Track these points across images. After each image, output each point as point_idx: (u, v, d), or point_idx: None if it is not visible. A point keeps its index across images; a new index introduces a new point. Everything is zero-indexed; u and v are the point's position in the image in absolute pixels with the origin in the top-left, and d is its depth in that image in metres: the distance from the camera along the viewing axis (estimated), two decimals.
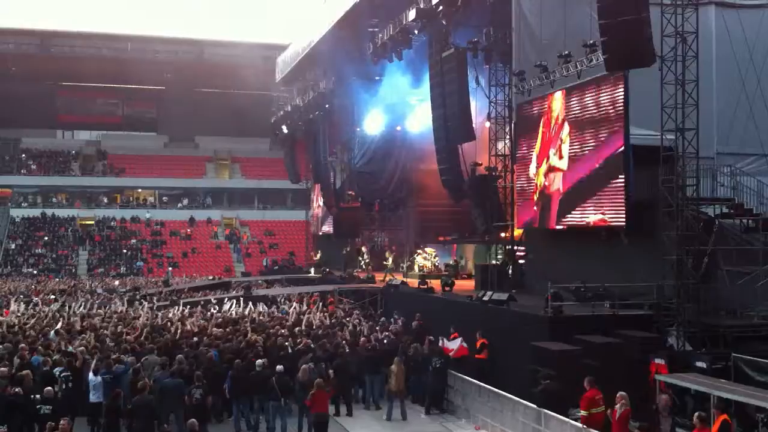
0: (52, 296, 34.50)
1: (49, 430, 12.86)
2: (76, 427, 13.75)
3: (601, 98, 20.86)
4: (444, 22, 27.91)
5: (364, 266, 39.48)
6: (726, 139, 20.95)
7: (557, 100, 22.95)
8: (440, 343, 20.73)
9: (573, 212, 22.23)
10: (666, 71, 18.13)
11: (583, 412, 14.34)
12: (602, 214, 20.63)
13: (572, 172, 22.22)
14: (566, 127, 22.48)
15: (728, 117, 20.65)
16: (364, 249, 41.98)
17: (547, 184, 23.65)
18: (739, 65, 20.38)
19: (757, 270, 17.79)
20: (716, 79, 20.59)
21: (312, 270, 44.14)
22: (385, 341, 21.45)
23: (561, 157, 22.84)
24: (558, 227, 23.26)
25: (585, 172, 21.54)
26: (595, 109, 21.12)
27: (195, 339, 20.81)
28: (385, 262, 38.36)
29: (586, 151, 21.49)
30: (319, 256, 47.58)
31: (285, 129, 51.28)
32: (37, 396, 14.86)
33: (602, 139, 20.72)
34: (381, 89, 37.74)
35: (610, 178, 20.30)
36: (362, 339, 21.38)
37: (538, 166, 24.07)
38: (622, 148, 19.76)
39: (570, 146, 22.32)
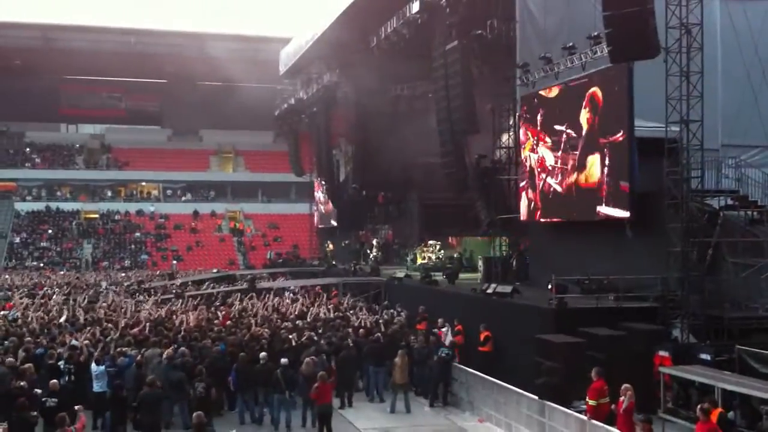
0: (57, 289, 34.54)
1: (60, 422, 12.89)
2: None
3: (605, 90, 20.78)
4: (447, 13, 27.83)
5: (372, 259, 39.51)
6: (731, 131, 20.90)
7: (560, 91, 22.88)
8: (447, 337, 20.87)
9: (576, 205, 22.20)
10: (671, 63, 18.08)
11: (592, 402, 14.37)
12: (606, 206, 20.57)
13: (575, 165, 22.16)
14: (569, 119, 22.41)
15: (733, 109, 20.61)
16: (374, 242, 42.05)
17: (549, 176, 23.61)
18: (744, 57, 20.29)
19: (762, 262, 17.74)
20: (721, 71, 20.54)
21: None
22: (388, 334, 21.43)
23: (563, 149, 22.78)
24: (562, 220, 23.23)
25: (588, 165, 21.48)
26: (599, 101, 21.04)
27: (199, 332, 20.83)
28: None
29: (590, 144, 21.42)
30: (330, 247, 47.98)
31: (289, 122, 51.27)
32: (38, 391, 14.90)
33: (606, 131, 20.63)
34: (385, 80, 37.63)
35: (614, 170, 20.24)
36: (366, 331, 21.37)
37: (541, 158, 24.01)
38: (627, 139, 19.69)
39: (572, 138, 22.26)
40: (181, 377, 16.72)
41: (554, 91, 23.18)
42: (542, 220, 24.46)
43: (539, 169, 24.10)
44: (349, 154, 46.20)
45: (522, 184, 25.50)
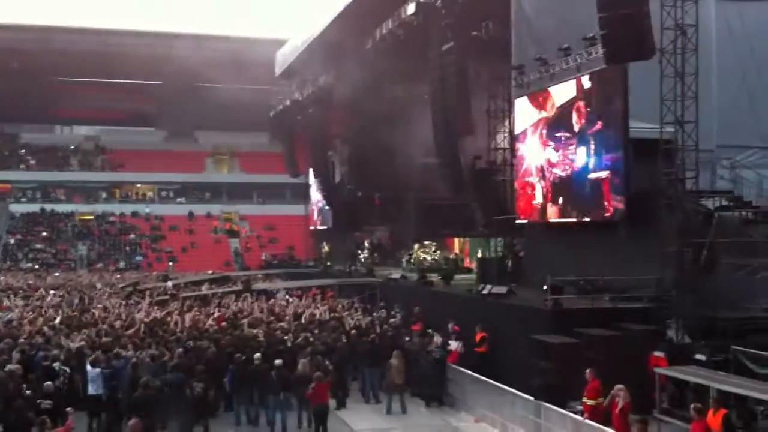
0: (52, 291, 34.44)
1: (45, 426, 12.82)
2: (75, 422, 13.76)
3: (600, 91, 20.84)
4: (443, 14, 27.85)
5: (364, 260, 39.52)
6: (725, 132, 20.94)
7: (556, 93, 22.94)
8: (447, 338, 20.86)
9: (571, 205, 22.24)
10: (666, 64, 18.12)
11: (590, 402, 14.43)
12: (601, 207, 20.61)
13: (571, 166, 22.23)
14: (565, 121, 22.48)
15: (728, 110, 20.67)
16: (366, 243, 42.04)
17: (545, 177, 23.66)
18: (739, 58, 20.36)
19: (756, 262, 17.78)
20: (716, 72, 20.60)
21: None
22: (385, 335, 21.43)
23: (563, 148, 22.85)
24: (557, 220, 23.26)
25: (583, 166, 21.55)
26: (594, 102, 21.11)
27: (195, 333, 20.81)
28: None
29: (585, 145, 21.50)
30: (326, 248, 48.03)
31: (284, 123, 51.21)
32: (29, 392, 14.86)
33: (601, 132, 20.69)
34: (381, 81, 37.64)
35: (609, 170, 20.29)
36: (360, 332, 21.36)
37: (537, 159, 24.06)
38: (622, 140, 19.74)
39: (568, 139, 22.33)
40: (178, 378, 16.68)
41: (548, 93, 23.30)
42: (537, 221, 24.40)
43: (548, 166, 24.15)
44: (344, 155, 46.21)
45: (536, 179, 25.31)
